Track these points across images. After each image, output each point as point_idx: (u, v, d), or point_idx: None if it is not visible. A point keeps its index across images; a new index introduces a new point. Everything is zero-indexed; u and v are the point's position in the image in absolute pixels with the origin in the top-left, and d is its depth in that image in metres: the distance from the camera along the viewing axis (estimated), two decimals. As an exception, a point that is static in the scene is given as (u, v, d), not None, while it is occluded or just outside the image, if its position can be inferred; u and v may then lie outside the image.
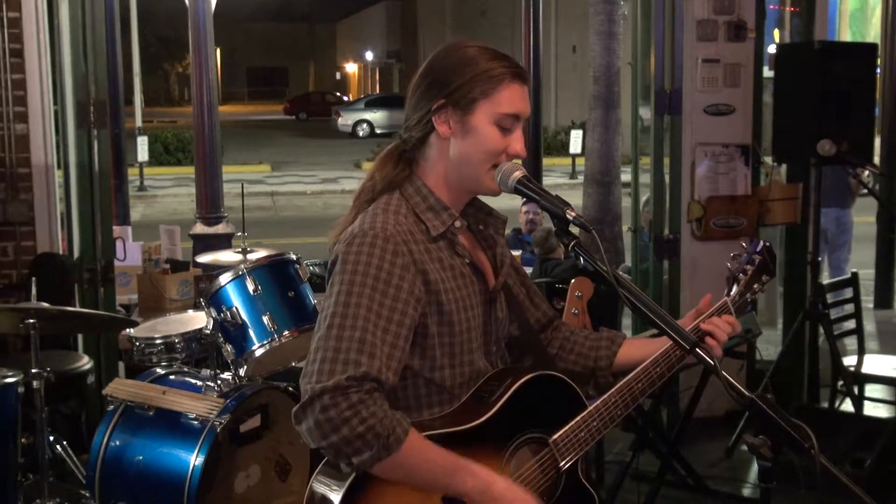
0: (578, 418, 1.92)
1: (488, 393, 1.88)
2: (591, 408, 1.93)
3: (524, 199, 2.29)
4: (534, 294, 2.15)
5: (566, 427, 1.91)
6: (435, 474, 1.74)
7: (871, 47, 5.15)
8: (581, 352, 2.12)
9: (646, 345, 2.06)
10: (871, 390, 4.91)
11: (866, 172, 4.62)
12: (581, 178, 11.40)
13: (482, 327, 1.93)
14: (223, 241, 7.25)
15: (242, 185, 4.55)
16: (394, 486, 1.74)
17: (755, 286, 2.16)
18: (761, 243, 2.20)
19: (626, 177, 7.28)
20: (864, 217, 7.69)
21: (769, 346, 5.52)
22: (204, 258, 4.21)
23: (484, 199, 2.02)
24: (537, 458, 1.89)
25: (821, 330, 4.74)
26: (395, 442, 1.67)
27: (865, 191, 5.38)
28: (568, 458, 1.91)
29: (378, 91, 43.89)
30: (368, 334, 1.70)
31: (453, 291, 1.85)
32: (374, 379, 1.68)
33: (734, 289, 2.13)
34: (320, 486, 1.80)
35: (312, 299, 3.62)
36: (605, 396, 1.95)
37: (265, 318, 3.47)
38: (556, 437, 1.90)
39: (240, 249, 3.94)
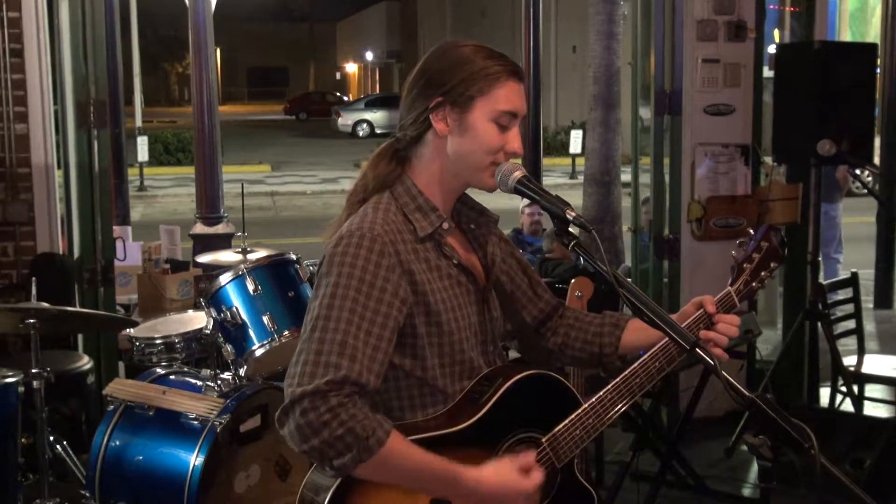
0: (573, 416, 1.91)
1: (479, 393, 1.87)
2: (585, 405, 1.93)
3: (528, 201, 2.28)
4: (536, 285, 2.15)
5: (560, 425, 1.90)
6: (420, 478, 1.73)
7: (871, 47, 5.15)
8: (586, 339, 2.12)
9: (649, 328, 2.00)
10: (871, 390, 4.90)
11: (866, 172, 4.61)
12: (581, 178, 11.38)
13: (477, 326, 1.92)
14: (223, 241, 7.26)
15: (242, 185, 4.55)
16: (380, 488, 1.74)
17: (762, 273, 2.09)
18: (767, 227, 2.11)
19: (626, 177, 7.28)
20: (864, 217, 7.68)
21: (769, 346, 5.51)
22: (204, 258, 4.21)
23: (479, 197, 2.02)
24: None
25: (821, 330, 4.74)
26: (375, 443, 1.66)
27: (858, 187, 5.37)
28: (563, 457, 1.90)
29: (378, 91, 43.88)
30: (350, 337, 1.70)
31: (440, 292, 1.85)
32: (354, 382, 1.67)
33: (739, 278, 2.07)
34: (311, 489, 1.80)
35: (312, 299, 3.61)
36: (601, 393, 1.94)
37: (265, 318, 3.48)
38: (549, 435, 1.89)
39: (240, 249, 3.94)
